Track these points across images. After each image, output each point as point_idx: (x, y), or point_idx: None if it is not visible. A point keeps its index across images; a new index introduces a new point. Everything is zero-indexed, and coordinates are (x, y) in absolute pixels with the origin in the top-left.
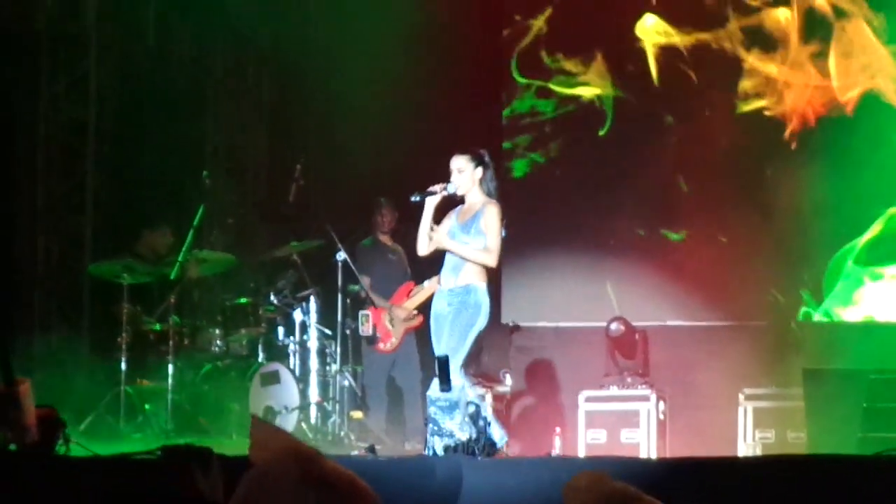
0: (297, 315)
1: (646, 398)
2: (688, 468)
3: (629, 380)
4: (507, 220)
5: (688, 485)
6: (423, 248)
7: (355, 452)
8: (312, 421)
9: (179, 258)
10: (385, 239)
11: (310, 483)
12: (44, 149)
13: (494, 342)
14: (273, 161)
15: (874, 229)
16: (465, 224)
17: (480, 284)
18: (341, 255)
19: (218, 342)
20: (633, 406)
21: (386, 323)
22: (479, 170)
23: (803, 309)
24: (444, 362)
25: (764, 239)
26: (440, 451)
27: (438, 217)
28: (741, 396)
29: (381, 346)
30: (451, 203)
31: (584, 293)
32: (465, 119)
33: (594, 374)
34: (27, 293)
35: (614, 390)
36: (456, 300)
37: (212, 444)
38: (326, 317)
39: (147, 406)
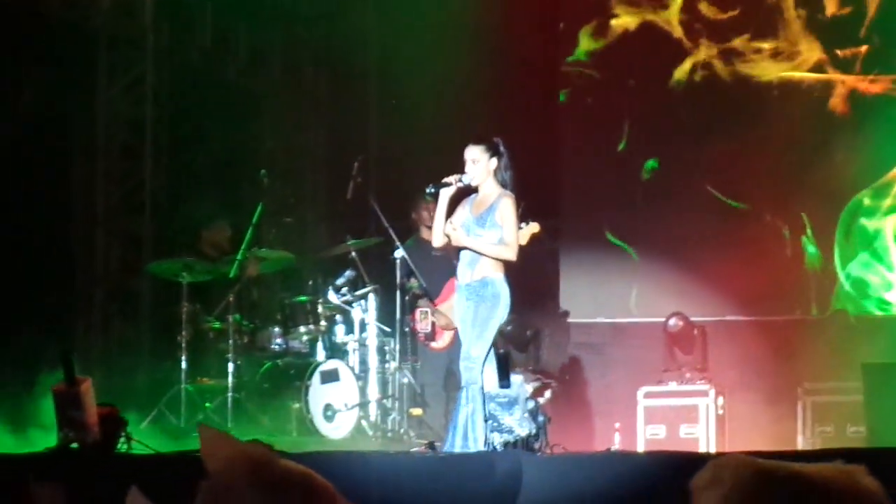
0: (356, 313)
1: (704, 393)
2: None
3: (688, 375)
4: (522, 209)
5: None
6: (439, 240)
7: (415, 449)
8: (372, 418)
9: (238, 256)
10: (427, 235)
11: (262, 486)
12: (102, 150)
13: (553, 339)
14: (330, 159)
15: None
16: (480, 217)
17: (497, 276)
18: (399, 252)
19: (277, 340)
20: (691, 401)
21: (436, 321)
22: (494, 160)
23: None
24: (503, 358)
25: (826, 230)
26: (500, 448)
27: (451, 207)
28: (800, 391)
29: (433, 344)
30: (463, 192)
31: (642, 288)
32: (520, 116)
33: (653, 370)
34: (88, 293)
35: (673, 386)
36: (474, 295)
37: (272, 441)
38: (385, 314)
39: (207, 404)
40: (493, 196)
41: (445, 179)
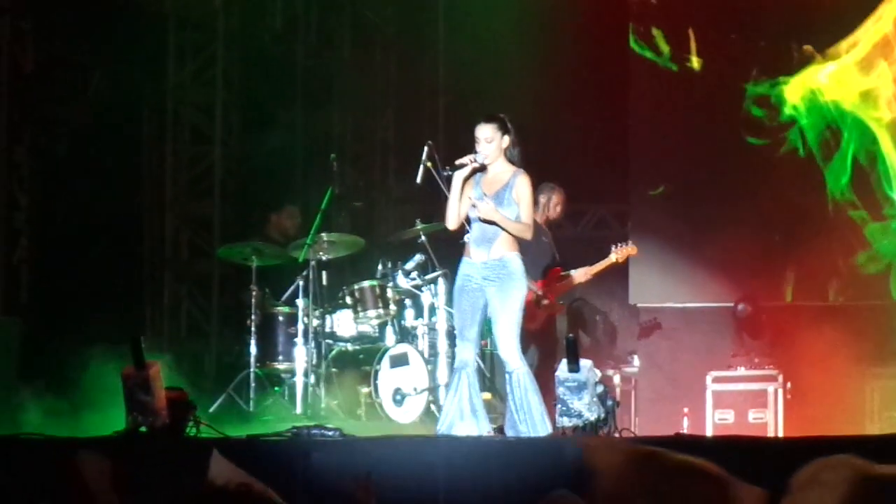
0: (426, 297)
1: (773, 378)
2: (816, 447)
3: (756, 360)
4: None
5: None
6: (453, 221)
7: (485, 433)
8: (441, 403)
9: (308, 241)
10: (542, 220)
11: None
12: (171, 134)
13: (622, 324)
14: (400, 143)
15: None
16: (496, 195)
17: (515, 254)
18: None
19: (346, 324)
20: (760, 386)
21: (533, 304)
22: (506, 138)
23: None
24: (572, 343)
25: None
26: (569, 432)
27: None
28: (869, 375)
29: (527, 324)
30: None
31: (711, 273)
32: (592, 101)
33: (721, 355)
34: (158, 277)
35: (741, 371)
36: (493, 274)
37: (341, 426)
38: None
39: (276, 388)
40: (508, 174)
41: (460, 161)
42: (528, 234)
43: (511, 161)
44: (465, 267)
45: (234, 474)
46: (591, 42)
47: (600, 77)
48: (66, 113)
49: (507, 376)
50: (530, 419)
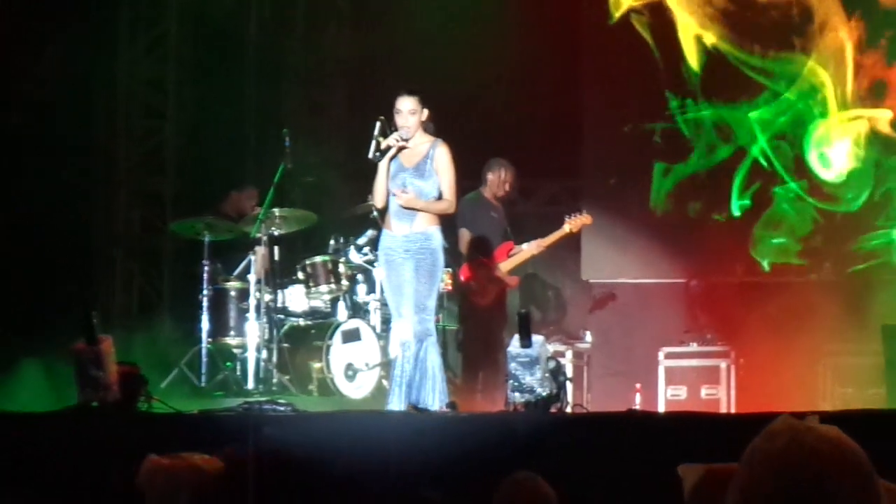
0: (378, 272)
1: (726, 354)
2: (768, 423)
3: (709, 336)
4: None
5: None
6: (381, 200)
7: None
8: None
9: (260, 216)
10: (490, 196)
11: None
12: (123, 109)
13: (574, 299)
14: (352, 118)
15: None
16: (416, 168)
17: (436, 227)
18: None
19: (298, 300)
20: (713, 362)
21: (482, 277)
22: (425, 111)
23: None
24: (524, 318)
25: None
26: (520, 408)
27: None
28: (821, 352)
29: (478, 299)
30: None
31: (664, 248)
32: (543, 78)
33: (674, 331)
34: (109, 253)
35: (694, 347)
36: (415, 246)
37: (293, 401)
38: None
39: (228, 364)
40: (426, 145)
41: (386, 142)
42: (452, 209)
43: (427, 132)
44: (387, 240)
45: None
46: (542, 13)
47: (552, 49)
48: (18, 88)
49: (418, 342)
50: (426, 388)
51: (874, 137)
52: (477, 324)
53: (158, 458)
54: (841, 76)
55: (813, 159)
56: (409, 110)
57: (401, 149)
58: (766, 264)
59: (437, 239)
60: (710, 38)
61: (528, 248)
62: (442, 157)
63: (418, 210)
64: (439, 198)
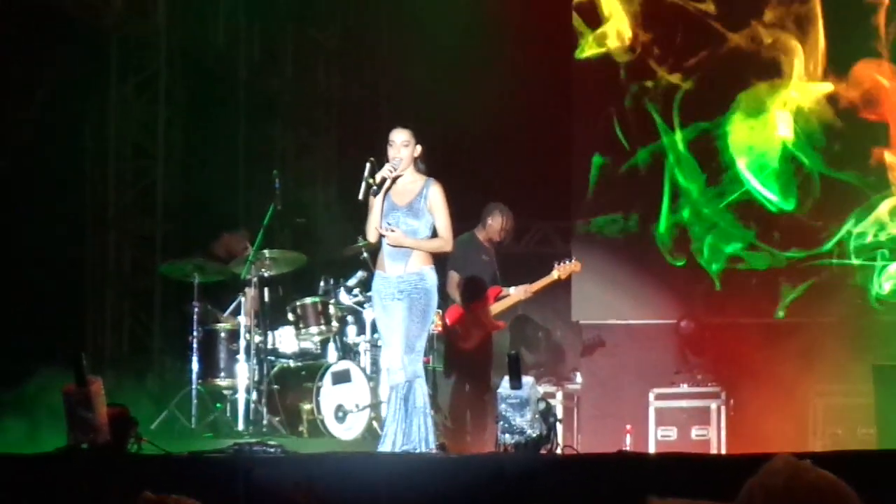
0: (368, 313)
1: (716, 395)
2: (758, 464)
3: (699, 377)
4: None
5: None
6: (374, 236)
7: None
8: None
9: (250, 257)
10: (483, 239)
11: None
12: (114, 150)
13: (565, 340)
14: (342, 159)
15: None
16: (409, 207)
17: (430, 267)
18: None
19: (288, 341)
20: (703, 403)
21: (468, 322)
22: (418, 147)
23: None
24: (514, 359)
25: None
26: (510, 449)
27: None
28: (811, 393)
29: (461, 343)
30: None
31: (654, 290)
32: (534, 118)
33: (664, 372)
34: (99, 293)
35: (684, 388)
36: (409, 287)
37: (283, 442)
38: None
39: (218, 405)
40: (419, 183)
41: (380, 174)
42: (447, 248)
43: (419, 171)
44: (380, 281)
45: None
46: (534, 59)
47: (544, 93)
48: (9, 129)
49: (406, 384)
50: (413, 429)
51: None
52: (462, 366)
53: (153, 497)
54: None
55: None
56: (402, 142)
57: (394, 180)
58: (781, 313)
59: (432, 279)
60: None
61: (516, 293)
62: (436, 196)
63: (407, 247)
64: (432, 236)
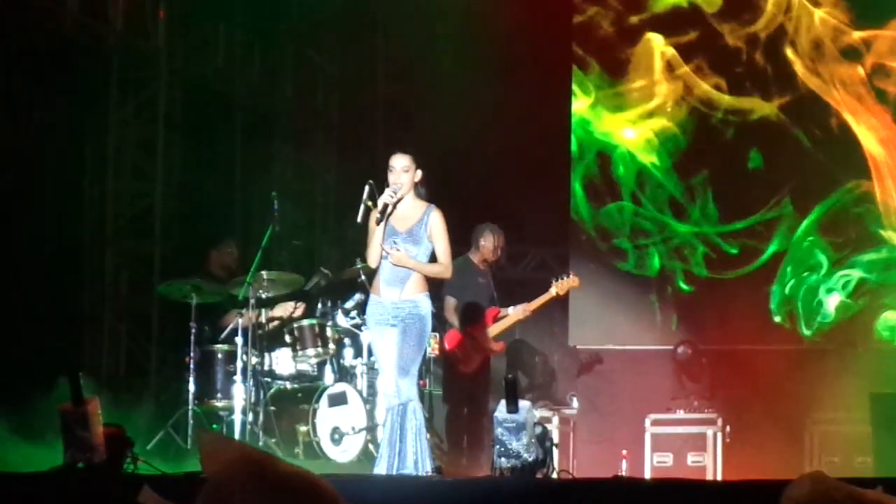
0: (365, 336)
1: (712, 422)
2: (754, 491)
3: (696, 403)
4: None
5: None
6: (374, 260)
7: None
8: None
9: (248, 279)
10: (478, 262)
11: (263, 487)
12: (113, 170)
13: (562, 365)
14: (341, 182)
15: None
16: (409, 232)
17: (425, 294)
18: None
19: (285, 363)
20: (699, 429)
21: (467, 346)
22: (419, 172)
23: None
24: (511, 384)
25: None
26: (507, 473)
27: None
28: (808, 420)
29: (462, 368)
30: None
31: (651, 316)
32: (534, 144)
33: (661, 397)
34: (96, 314)
35: (681, 414)
36: (403, 313)
37: None
38: None
39: (214, 426)
40: (420, 210)
41: (381, 199)
42: (447, 274)
43: (420, 196)
44: (375, 306)
45: None
46: (533, 85)
47: (543, 119)
48: (8, 148)
49: (398, 407)
50: (406, 454)
51: None
52: (461, 390)
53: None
54: None
55: None
56: (402, 167)
57: (394, 205)
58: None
59: (426, 306)
60: None
61: (515, 313)
62: (437, 224)
63: (409, 268)
64: (431, 262)
